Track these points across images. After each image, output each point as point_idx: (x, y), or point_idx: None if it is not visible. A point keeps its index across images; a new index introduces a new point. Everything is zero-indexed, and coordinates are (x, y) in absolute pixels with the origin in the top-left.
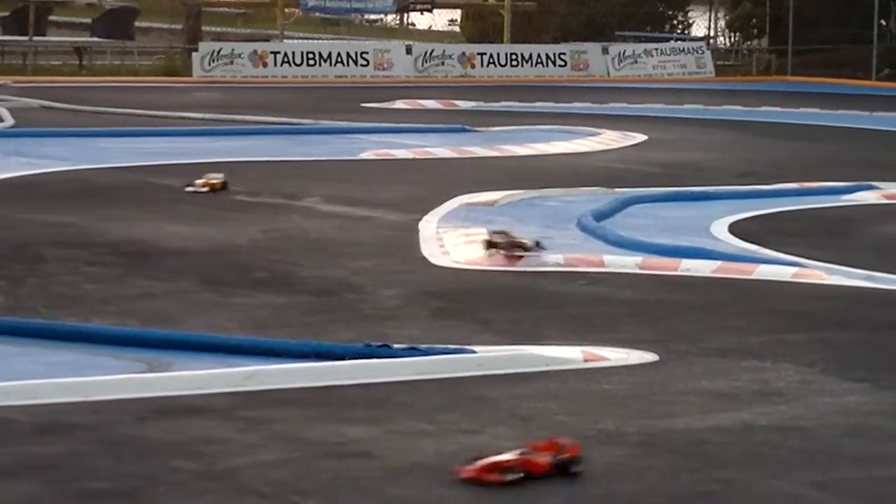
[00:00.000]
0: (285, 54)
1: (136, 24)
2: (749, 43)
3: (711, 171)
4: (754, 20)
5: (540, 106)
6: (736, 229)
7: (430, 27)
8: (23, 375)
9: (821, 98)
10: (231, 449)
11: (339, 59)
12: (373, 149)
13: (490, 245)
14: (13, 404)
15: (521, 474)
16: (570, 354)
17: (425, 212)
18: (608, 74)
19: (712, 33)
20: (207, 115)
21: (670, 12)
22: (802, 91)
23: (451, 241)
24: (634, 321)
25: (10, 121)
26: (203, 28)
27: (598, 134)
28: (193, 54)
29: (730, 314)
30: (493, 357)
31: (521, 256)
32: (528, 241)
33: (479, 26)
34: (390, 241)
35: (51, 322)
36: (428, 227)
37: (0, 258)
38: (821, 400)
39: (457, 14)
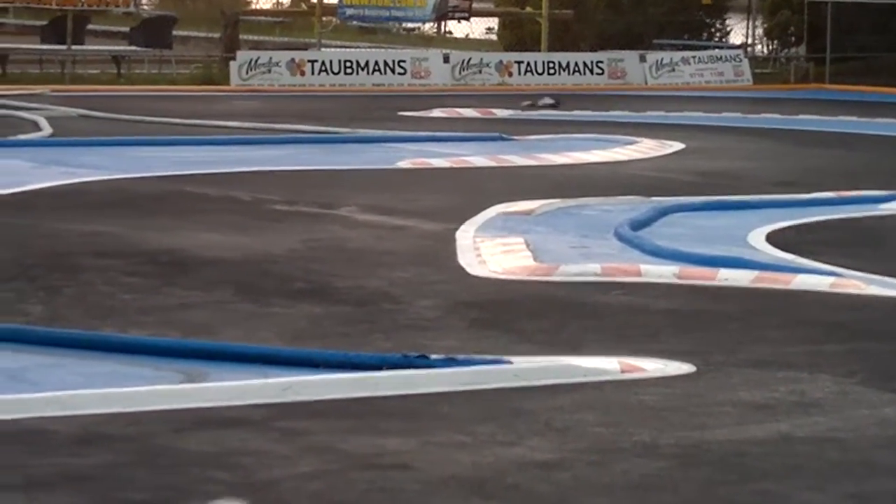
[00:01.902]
0: (323, 63)
1: (174, 32)
2: (787, 51)
3: (749, 179)
4: (792, 28)
5: (577, 114)
6: (773, 239)
7: (468, 35)
8: (61, 386)
9: (859, 106)
10: (267, 460)
11: (377, 68)
12: (410, 157)
13: None
14: (52, 415)
15: None
16: (607, 365)
17: (462, 221)
18: (646, 82)
19: (750, 41)
20: (245, 124)
21: (708, 20)
22: (840, 99)
23: (489, 250)
24: (672, 332)
25: (48, 130)
26: (241, 37)
27: (636, 142)
28: (231, 63)
29: (767, 325)
30: (529, 368)
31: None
32: None
33: (516, 34)
34: (427, 251)
35: (88, 332)
36: (465, 236)
37: (38, 268)
38: (858, 411)
39: (494, 22)
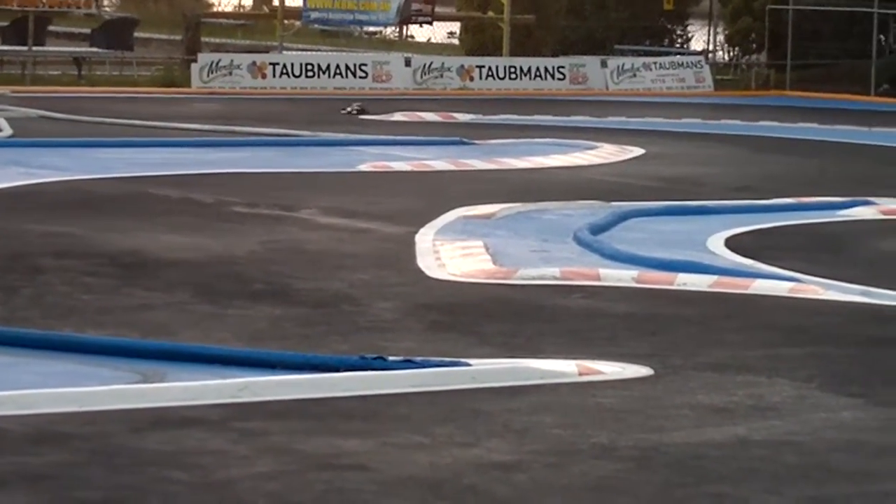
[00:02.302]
0: (284, 66)
1: (136, 34)
2: (748, 57)
3: (709, 185)
4: (753, 35)
5: (538, 119)
6: (733, 244)
7: (429, 39)
8: (17, 385)
9: (819, 113)
10: (225, 460)
11: (339, 71)
12: (371, 161)
13: None
14: (7, 414)
15: None
16: (565, 368)
17: (422, 224)
18: (607, 88)
19: (711, 47)
20: (206, 127)
21: (670, 26)
22: (801, 106)
23: (448, 253)
24: (630, 335)
25: (8, 130)
26: (202, 39)
27: (596, 147)
28: (192, 65)
29: (726, 329)
30: (488, 370)
31: None
32: None
33: (478, 39)
34: (387, 254)
35: (46, 332)
36: (424, 239)
37: None
38: (816, 415)
39: (456, 27)
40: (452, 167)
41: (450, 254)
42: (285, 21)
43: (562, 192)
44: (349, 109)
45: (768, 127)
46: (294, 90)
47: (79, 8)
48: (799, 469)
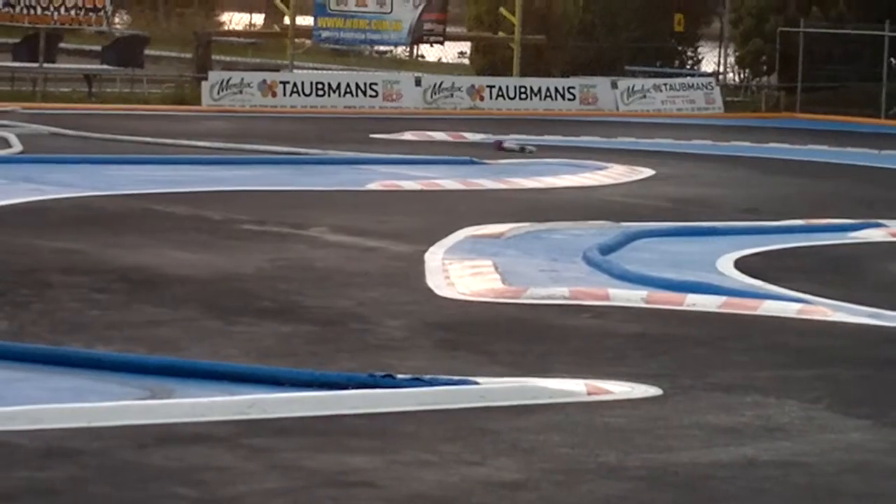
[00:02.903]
0: (294, 84)
1: (146, 52)
2: (758, 79)
3: (718, 206)
4: (764, 57)
5: (548, 139)
6: (742, 265)
7: (440, 59)
8: (26, 401)
9: (829, 135)
10: (232, 477)
11: (349, 90)
12: (380, 180)
13: None
14: (17, 429)
15: None
16: (573, 387)
17: (431, 243)
18: (617, 109)
19: (722, 69)
20: (216, 144)
21: (680, 48)
22: (811, 128)
23: (457, 272)
24: (639, 355)
25: (18, 147)
26: (213, 57)
27: (606, 168)
28: (203, 83)
29: (734, 350)
30: (496, 389)
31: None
32: None
33: (488, 59)
34: (396, 272)
35: (55, 348)
36: (434, 258)
37: (6, 283)
38: (824, 436)
39: (466, 47)
40: (462, 186)
41: (459, 273)
42: (296, 40)
43: (571, 212)
44: (509, 146)
45: (778, 149)
46: (304, 109)
47: (90, 25)
48: (807, 490)
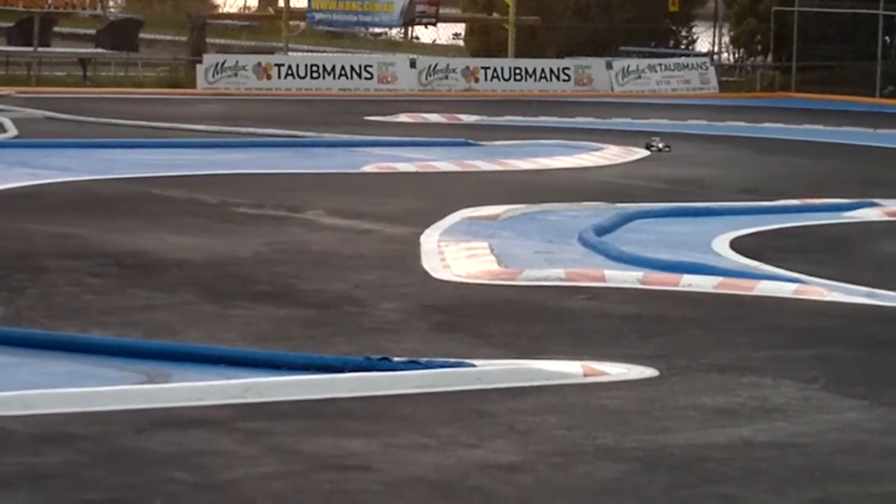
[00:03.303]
0: (289, 67)
1: (141, 35)
2: (753, 59)
3: (714, 186)
4: (758, 36)
5: (543, 120)
6: (737, 245)
7: (434, 41)
8: (22, 385)
9: (824, 115)
10: (229, 461)
11: (343, 72)
12: (376, 162)
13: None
14: (12, 414)
15: None
16: (569, 369)
17: (427, 225)
18: (612, 89)
19: (716, 49)
20: (211, 128)
21: (675, 28)
22: (806, 108)
23: (453, 254)
24: (635, 336)
25: (13, 131)
26: (207, 40)
27: (601, 149)
28: (197, 66)
29: (730, 330)
30: (492, 371)
31: None
32: None
33: (483, 40)
34: (392, 255)
35: (51, 332)
36: (429, 240)
37: (1, 268)
38: (820, 417)
39: (461, 28)
40: (457, 168)
41: (455, 255)
42: (290, 22)
43: (567, 193)
44: (655, 146)
45: (773, 129)
46: (299, 91)
47: (84, 9)
48: (803, 470)
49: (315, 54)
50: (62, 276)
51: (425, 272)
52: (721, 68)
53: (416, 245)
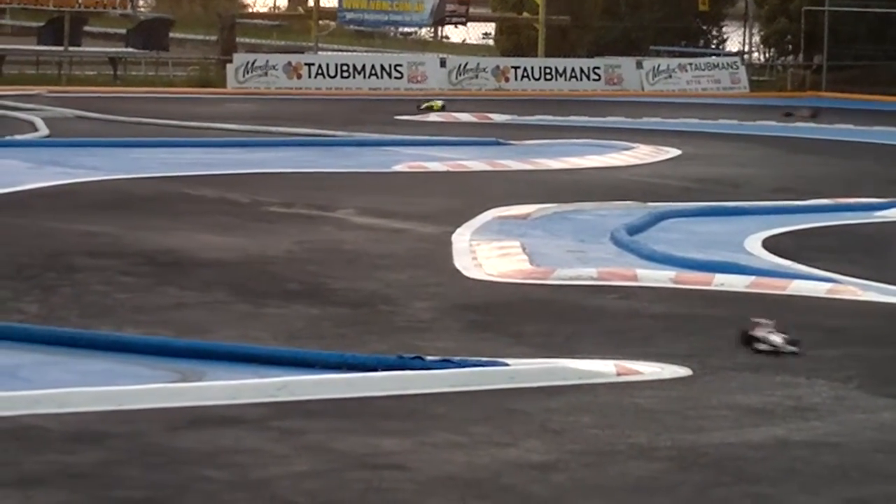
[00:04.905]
0: (319, 66)
1: (171, 35)
2: (784, 58)
3: (745, 186)
4: (789, 36)
5: (574, 120)
6: (770, 245)
7: (464, 40)
8: (55, 384)
9: (855, 114)
10: (263, 459)
11: (374, 72)
12: (406, 161)
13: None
14: (46, 413)
15: None
16: (602, 368)
17: (458, 224)
18: (642, 89)
19: (747, 48)
20: (241, 127)
21: (705, 27)
22: (837, 107)
23: (485, 253)
24: (668, 335)
25: (44, 130)
26: (237, 39)
27: (632, 148)
28: (228, 66)
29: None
30: (525, 370)
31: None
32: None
33: (513, 40)
34: (423, 254)
35: (83, 331)
36: (461, 239)
37: (33, 267)
38: (854, 416)
39: (491, 27)
40: (488, 167)
41: (486, 254)
42: (320, 22)
43: (598, 192)
44: (803, 112)
45: (804, 128)
46: (329, 91)
47: (114, 8)
48: (838, 470)
49: (345, 54)
50: (94, 274)
51: (457, 271)
52: (751, 68)
53: (448, 244)
